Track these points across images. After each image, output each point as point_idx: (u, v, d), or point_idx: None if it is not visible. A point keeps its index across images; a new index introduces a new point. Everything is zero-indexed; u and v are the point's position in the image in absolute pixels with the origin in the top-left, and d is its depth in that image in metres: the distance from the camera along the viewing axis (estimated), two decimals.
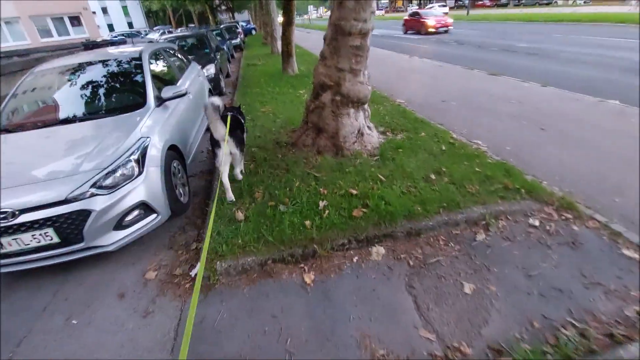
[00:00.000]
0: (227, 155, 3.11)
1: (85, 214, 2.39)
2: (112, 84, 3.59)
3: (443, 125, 4.80)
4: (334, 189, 3.14)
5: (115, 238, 2.57)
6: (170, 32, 21.99)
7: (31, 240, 2.35)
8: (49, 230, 2.35)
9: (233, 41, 18.15)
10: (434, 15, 20.43)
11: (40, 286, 2.61)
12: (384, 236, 2.61)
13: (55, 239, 2.39)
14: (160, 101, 3.43)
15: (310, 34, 27.53)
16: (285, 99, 6.83)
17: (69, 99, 3.53)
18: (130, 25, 47.89)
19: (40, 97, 3.69)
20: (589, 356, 1.68)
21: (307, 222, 2.70)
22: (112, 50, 4.26)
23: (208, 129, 5.03)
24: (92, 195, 2.42)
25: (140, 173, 2.68)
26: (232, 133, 3.12)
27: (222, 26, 20.16)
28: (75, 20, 25.65)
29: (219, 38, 13.59)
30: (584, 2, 34.64)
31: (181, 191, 3.31)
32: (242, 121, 3.59)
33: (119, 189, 2.53)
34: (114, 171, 2.56)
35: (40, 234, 2.35)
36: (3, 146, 2.87)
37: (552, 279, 2.17)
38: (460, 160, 3.58)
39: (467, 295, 2.12)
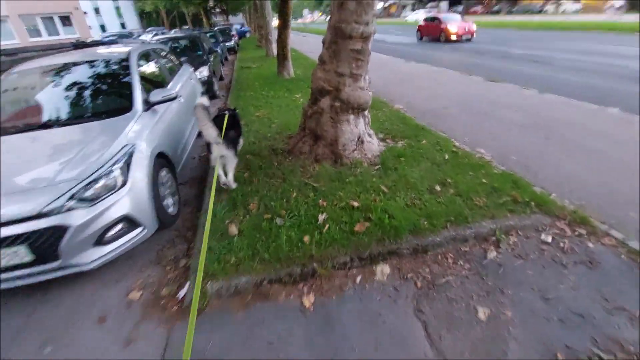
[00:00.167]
0: (218, 158, 3.07)
1: (61, 229, 2.16)
2: (97, 86, 3.36)
3: (444, 133, 4.65)
4: (334, 200, 2.95)
5: (96, 255, 2.34)
6: (163, 34, 21.71)
7: (1, 259, 2.12)
8: (21, 247, 2.12)
9: (227, 44, 17.94)
10: (455, 21, 17.62)
11: (12, 307, 2.37)
12: (389, 253, 2.42)
13: (28, 257, 2.15)
14: (148, 105, 3.22)
15: (305, 38, 27.44)
16: (280, 103, 6.65)
17: (50, 101, 3.29)
18: (123, 26, 47.40)
19: (19, 99, 3.44)
20: None
21: (306, 238, 2.51)
22: (99, 50, 4.03)
23: (200, 134, 4.85)
24: (70, 208, 2.20)
25: (124, 183, 2.47)
26: (224, 135, 3.07)
27: (216, 28, 19.95)
28: (66, 20, 25.23)
29: (212, 40, 13.39)
30: (573, 11, 35.18)
31: (170, 201, 3.09)
32: (239, 122, 3.52)
33: (100, 201, 2.31)
34: (95, 181, 2.34)
35: (11, 252, 2.12)
36: None
37: (572, 303, 2.00)
38: (465, 170, 3.42)
39: (482, 321, 1.94)
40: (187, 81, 4.92)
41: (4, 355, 2.02)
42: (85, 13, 27.05)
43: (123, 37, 24.89)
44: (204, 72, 7.54)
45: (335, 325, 1.98)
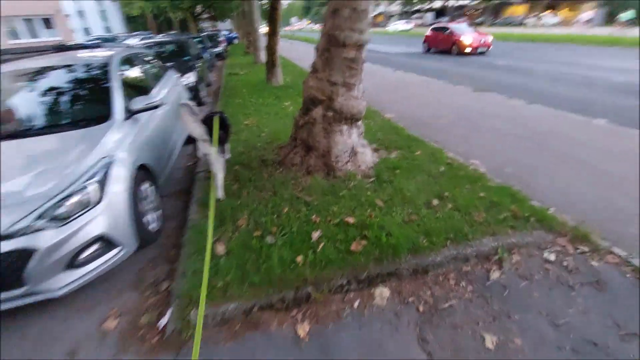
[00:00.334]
0: (205, 155, 3.16)
1: (27, 253, 1.94)
2: (74, 92, 3.12)
3: (437, 143, 4.58)
4: (328, 216, 2.80)
5: (67, 280, 2.11)
6: (150, 38, 21.32)
7: None
8: None
9: (215, 49, 17.72)
10: (469, 32, 15.87)
11: None
12: (388, 274, 2.28)
13: None
14: (129, 113, 3.01)
15: (293, 45, 27.45)
16: (269, 111, 6.49)
17: (22, 108, 3.05)
18: (108, 29, 46.47)
19: None
20: None
21: (299, 258, 2.34)
22: (78, 54, 3.80)
23: (187, 142, 4.65)
24: (37, 229, 1.98)
25: (100, 200, 2.25)
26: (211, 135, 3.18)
27: (204, 34, 19.69)
28: (48, 23, 24.56)
29: (200, 46, 13.16)
30: (552, 24, 36.36)
31: (152, 217, 2.88)
32: (227, 124, 3.58)
33: (72, 220, 2.10)
34: (67, 198, 2.12)
35: None
36: None
37: (583, 329, 1.89)
38: (461, 183, 3.32)
39: (490, 350, 1.80)
40: (173, 88, 4.71)
41: None
42: (67, 16, 26.41)
43: (107, 40, 24.36)
44: (190, 78, 7.34)
45: (333, 357, 1.81)
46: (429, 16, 53.88)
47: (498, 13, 45.23)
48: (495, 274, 2.30)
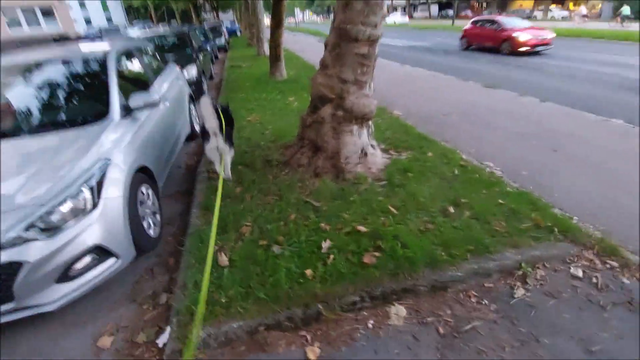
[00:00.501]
0: (214, 149, 3.18)
1: (14, 266, 1.79)
2: (68, 89, 2.95)
3: (448, 143, 4.38)
4: (338, 224, 2.63)
5: (59, 294, 1.96)
6: (150, 29, 21.02)
7: None
8: None
9: (217, 41, 17.44)
10: (524, 26, 13.14)
11: None
12: (404, 291, 2.11)
13: None
14: (127, 111, 2.84)
15: (296, 37, 27.05)
16: (273, 107, 6.29)
17: (10, 107, 2.87)
18: (109, 20, 46.01)
19: None
20: None
21: (308, 271, 2.18)
22: (72, 47, 3.60)
23: (188, 139, 4.50)
24: (26, 240, 1.82)
25: (94, 206, 2.09)
26: (221, 128, 3.18)
27: (205, 25, 19.37)
28: (49, 13, 24.23)
29: (202, 38, 12.90)
30: (562, 18, 35.73)
31: (151, 222, 2.72)
32: (231, 116, 3.59)
33: (64, 230, 1.94)
34: (59, 205, 1.96)
35: None
36: None
37: (620, 357, 1.73)
38: (477, 188, 3.14)
39: None
40: (174, 82, 4.53)
41: None
42: (68, 6, 26.06)
43: (109, 31, 24.04)
44: (192, 71, 7.11)
45: None
46: (434, 9, 53.13)
47: (505, 6, 44.44)
48: (519, 291, 2.13)
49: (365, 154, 3.44)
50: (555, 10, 37.53)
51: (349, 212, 2.76)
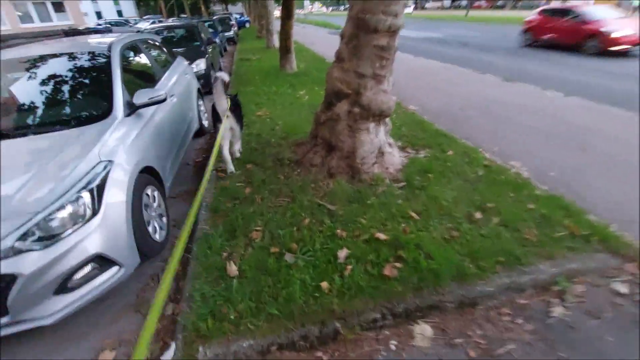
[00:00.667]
0: (228, 130, 3.30)
1: (8, 279, 1.66)
2: (70, 85, 2.78)
3: (468, 141, 4.15)
4: (355, 230, 2.45)
5: (57, 306, 1.83)
6: (160, 22, 20.90)
7: None
8: None
9: (226, 34, 17.22)
10: (618, 20, 10.15)
11: None
12: (429, 308, 1.93)
13: None
14: (132, 108, 2.68)
15: (305, 29, 26.66)
16: (284, 101, 6.10)
17: (10, 104, 2.74)
18: (119, 13, 46.08)
19: None
20: None
21: (324, 284, 2.01)
22: (74, 41, 3.45)
23: (197, 135, 4.36)
24: (20, 251, 1.68)
25: (95, 213, 1.95)
26: (233, 111, 3.34)
27: (215, 17, 19.15)
28: (59, 7, 24.29)
29: (211, 30, 12.71)
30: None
31: (156, 225, 2.57)
32: (240, 105, 3.70)
33: (62, 238, 1.80)
34: (57, 211, 1.82)
35: None
36: None
37: None
38: (503, 190, 2.93)
39: None
40: (182, 76, 4.36)
41: None
42: None
43: (119, 25, 23.99)
44: (201, 65, 6.98)
45: None
46: None
47: None
48: (557, 309, 1.94)
49: (382, 153, 3.24)
50: None
51: (366, 217, 2.57)
